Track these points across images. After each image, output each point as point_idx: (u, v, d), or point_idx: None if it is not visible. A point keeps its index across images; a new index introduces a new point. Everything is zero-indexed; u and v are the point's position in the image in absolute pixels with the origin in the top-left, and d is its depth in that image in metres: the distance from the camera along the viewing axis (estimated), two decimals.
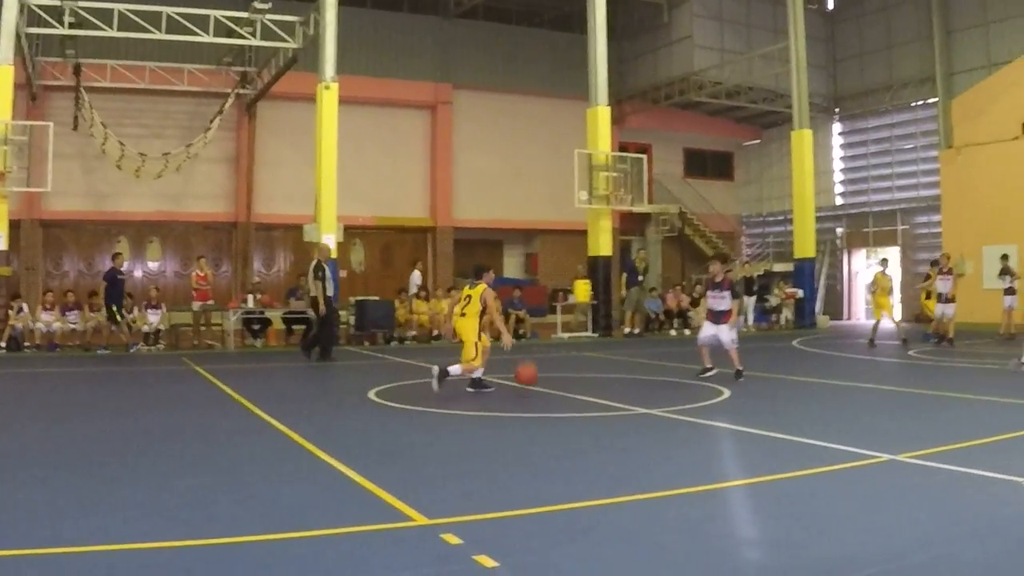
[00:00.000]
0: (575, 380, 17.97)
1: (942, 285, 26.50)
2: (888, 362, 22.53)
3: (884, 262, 29.23)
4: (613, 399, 14.28)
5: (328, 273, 22.50)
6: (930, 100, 40.28)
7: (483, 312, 15.72)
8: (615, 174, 31.55)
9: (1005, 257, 28.52)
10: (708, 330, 17.74)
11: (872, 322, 27.58)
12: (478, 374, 15.53)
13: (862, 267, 43.83)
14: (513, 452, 10.21)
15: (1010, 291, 27.72)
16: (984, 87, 37.30)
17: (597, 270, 31.35)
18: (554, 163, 36.99)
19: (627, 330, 31.73)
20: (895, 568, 5.91)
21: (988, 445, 10.25)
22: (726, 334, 17.35)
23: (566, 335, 30.85)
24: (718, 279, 17.91)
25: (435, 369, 15.05)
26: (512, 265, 42.02)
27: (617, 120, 38.21)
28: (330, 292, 22.60)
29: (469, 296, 15.83)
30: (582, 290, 31.22)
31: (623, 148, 37.48)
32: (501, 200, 39.72)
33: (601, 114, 31.09)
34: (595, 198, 30.84)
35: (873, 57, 42.73)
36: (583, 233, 32.53)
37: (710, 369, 17.42)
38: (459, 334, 15.88)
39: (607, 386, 17.17)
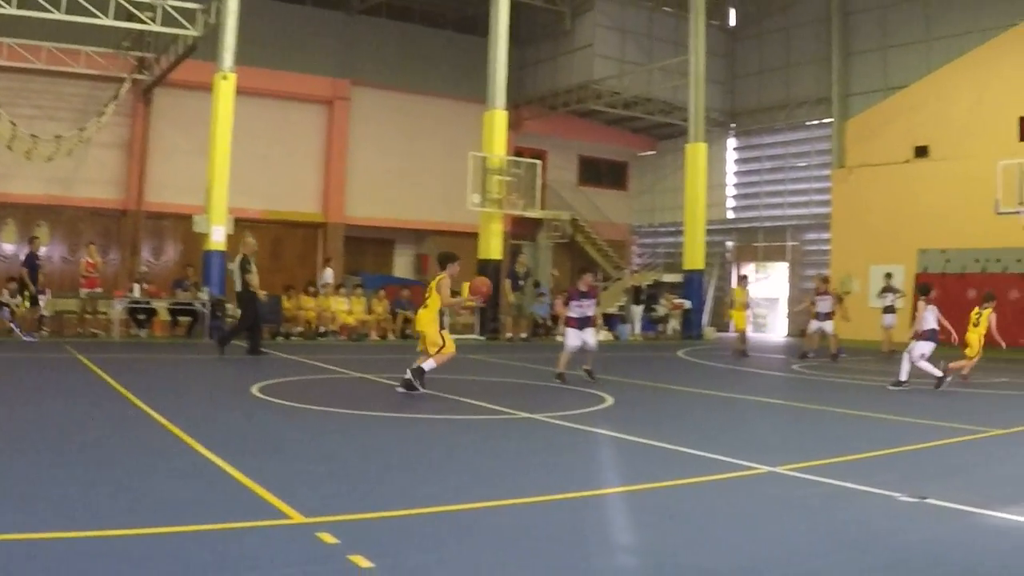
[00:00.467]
0: (460, 383, 17.92)
1: (821, 304, 27.22)
2: (770, 375, 22.85)
3: (743, 279, 30.17)
4: (496, 402, 14.28)
5: (253, 267, 22.19)
6: (825, 120, 41.02)
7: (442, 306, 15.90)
8: (509, 178, 31.64)
9: (889, 276, 29.08)
10: (577, 338, 17.96)
11: (735, 335, 28.39)
12: (429, 366, 15.27)
13: (751, 281, 44.41)
14: (394, 452, 10.14)
15: (890, 310, 28.20)
16: (879, 110, 38.08)
17: (487, 273, 31.33)
18: (449, 165, 37.05)
19: (509, 335, 31.72)
20: None
21: (865, 460, 10.43)
22: (593, 338, 17.68)
23: (453, 337, 30.83)
24: (583, 288, 18.96)
25: (408, 372, 15.00)
26: (402, 265, 41.89)
27: (514, 125, 38.27)
28: (254, 286, 22.33)
29: (431, 287, 15.88)
30: (465, 293, 31.14)
31: (518, 153, 37.62)
32: (394, 199, 39.53)
33: (498, 118, 31.16)
34: (488, 201, 30.90)
35: (771, 75, 43.36)
36: (475, 236, 32.58)
37: (563, 375, 17.96)
38: (419, 325, 15.87)
39: (491, 389, 17.16)
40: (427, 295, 15.89)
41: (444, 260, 16.30)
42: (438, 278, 15.74)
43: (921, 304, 20.11)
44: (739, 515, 7.75)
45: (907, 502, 8.12)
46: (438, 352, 15.26)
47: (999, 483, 9.51)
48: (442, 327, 15.80)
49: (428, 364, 15.04)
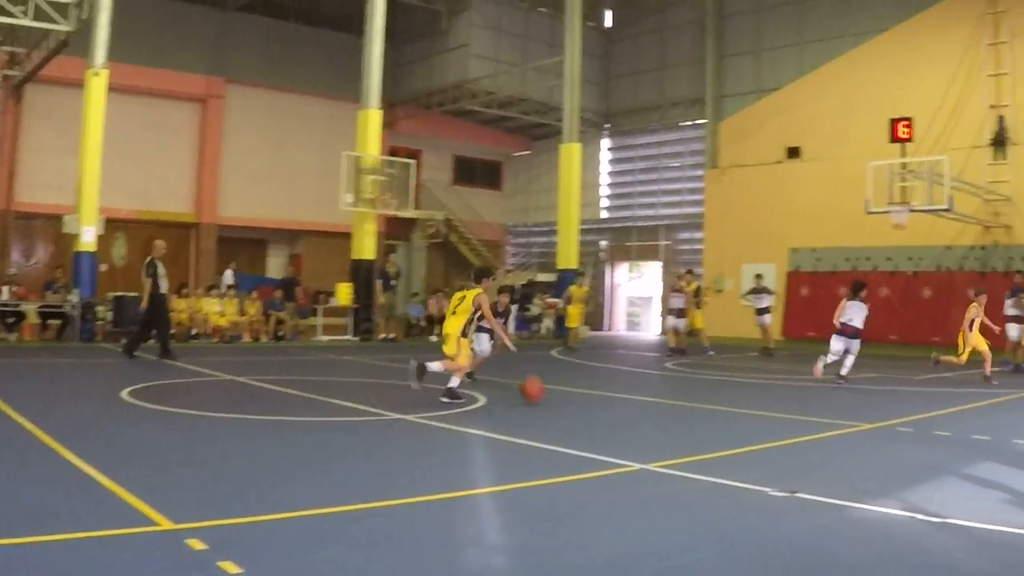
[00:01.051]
0: (332, 384, 17.89)
1: (673, 301, 27.92)
2: (643, 373, 23.10)
3: (580, 276, 30.74)
4: (368, 404, 14.25)
5: (161, 270, 21.80)
6: (699, 121, 41.52)
7: (474, 316, 15.91)
8: (382, 178, 31.51)
9: (759, 277, 29.58)
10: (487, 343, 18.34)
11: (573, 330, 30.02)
12: (455, 383, 15.27)
13: (624, 280, 44.78)
14: (264, 456, 10.03)
15: (765, 310, 28.71)
16: (752, 111, 38.68)
17: (360, 274, 31.28)
18: (323, 164, 36.82)
19: (382, 335, 31.67)
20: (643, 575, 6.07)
21: (737, 455, 10.62)
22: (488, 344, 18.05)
23: (326, 338, 30.70)
24: (500, 309, 19.96)
25: (412, 363, 14.83)
26: (275, 265, 41.55)
27: (388, 124, 38.14)
28: (163, 289, 22.04)
29: (463, 296, 15.83)
30: (343, 293, 31.08)
31: (393, 152, 37.59)
32: (267, 199, 39.17)
33: (372, 117, 31.03)
34: (361, 201, 30.75)
35: (646, 76, 43.76)
36: (348, 236, 32.42)
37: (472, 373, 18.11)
38: (444, 330, 15.91)
39: (362, 391, 17.12)
40: (456, 304, 15.92)
41: (480, 275, 16.66)
42: (475, 291, 15.78)
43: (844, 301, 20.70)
44: (611, 513, 7.84)
45: (778, 496, 8.29)
46: (449, 362, 15.29)
47: (867, 477, 9.73)
48: (464, 335, 15.84)
49: (434, 366, 15.05)
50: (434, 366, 14.92)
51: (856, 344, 20.09)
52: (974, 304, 21.24)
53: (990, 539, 7.18)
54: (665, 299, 40.27)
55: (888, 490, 8.89)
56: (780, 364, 25.68)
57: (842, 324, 20.04)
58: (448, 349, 15.44)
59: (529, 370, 17.67)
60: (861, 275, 32.12)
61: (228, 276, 32.56)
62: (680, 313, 28.50)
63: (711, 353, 26.99)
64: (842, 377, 19.77)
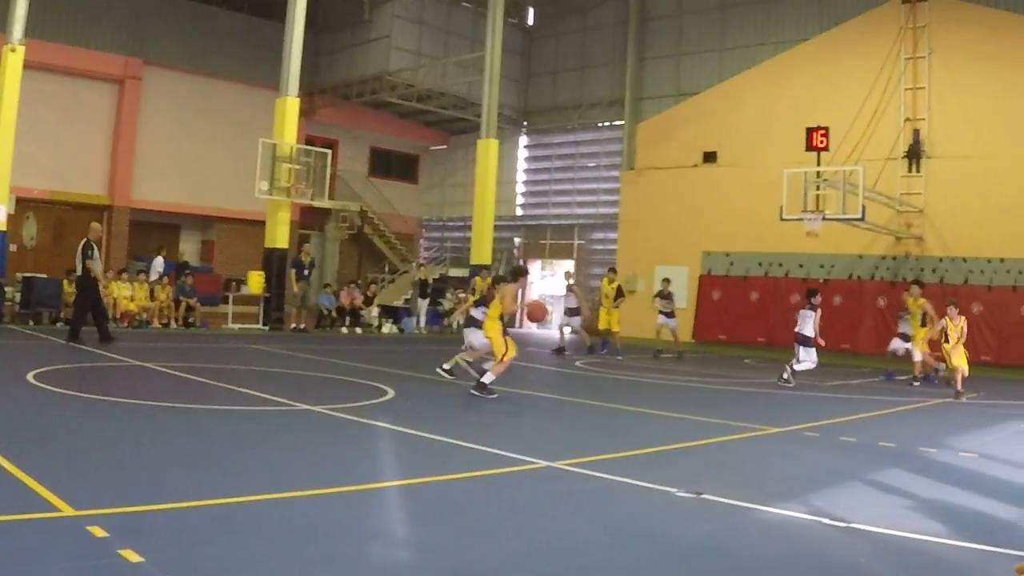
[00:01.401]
0: (241, 372, 17.75)
1: (567, 300, 28.26)
2: (551, 371, 23.15)
3: (484, 271, 31.31)
4: (276, 394, 14.11)
5: (96, 253, 21.64)
6: (617, 122, 41.60)
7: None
8: (298, 167, 31.29)
9: (667, 281, 29.74)
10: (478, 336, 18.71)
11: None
12: (489, 379, 15.81)
13: (536, 277, 44.85)
14: (170, 443, 9.87)
15: (670, 314, 28.90)
16: (670, 115, 38.92)
17: (272, 262, 31.06)
18: (239, 151, 36.26)
19: (292, 325, 31.47)
20: (544, 573, 6.08)
21: (644, 455, 10.69)
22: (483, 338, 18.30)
23: (236, 326, 30.44)
24: (666, 292, 25.89)
25: (473, 391, 15.73)
26: (188, 251, 40.96)
27: (306, 113, 37.96)
28: (97, 273, 21.86)
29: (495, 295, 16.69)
30: (256, 282, 30.84)
31: (310, 141, 37.25)
32: (182, 184, 38.34)
33: (290, 105, 30.75)
34: (276, 189, 30.51)
35: (566, 76, 43.81)
36: (262, 224, 32.16)
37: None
38: (486, 334, 16.66)
39: (272, 380, 17.04)
40: (490, 303, 16.71)
41: (516, 273, 18.14)
42: (505, 288, 16.58)
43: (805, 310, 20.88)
44: (516, 509, 7.86)
45: (683, 497, 8.33)
46: (499, 363, 15.96)
47: (773, 480, 9.86)
48: (504, 332, 16.58)
49: (491, 375, 15.81)
50: (487, 377, 15.73)
51: (801, 351, 20.56)
52: (947, 317, 20.86)
53: (893, 544, 7.26)
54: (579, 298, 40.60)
55: (794, 494, 8.98)
56: (690, 367, 25.85)
57: (794, 332, 20.51)
58: (496, 352, 16.24)
59: (435, 365, 17.72)
60: (772, 281, 32.58)
61: (159, 263, 32.12)
62: (573, 312, 28.74)
63: (620, 357, 27.02)
64: (784, 379, 20.29)
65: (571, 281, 29.74)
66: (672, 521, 7.75)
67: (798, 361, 20.76)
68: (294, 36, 30.46)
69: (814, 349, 20.77)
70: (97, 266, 21.66)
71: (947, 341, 20.42)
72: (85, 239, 21.63)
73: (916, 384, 22.48)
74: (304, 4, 30.66)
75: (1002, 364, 29.18)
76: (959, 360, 20.12)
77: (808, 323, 20.70)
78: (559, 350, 28.28)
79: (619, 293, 29.03)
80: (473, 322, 17.90)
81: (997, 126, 30.74)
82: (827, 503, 8.51)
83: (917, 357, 23.15)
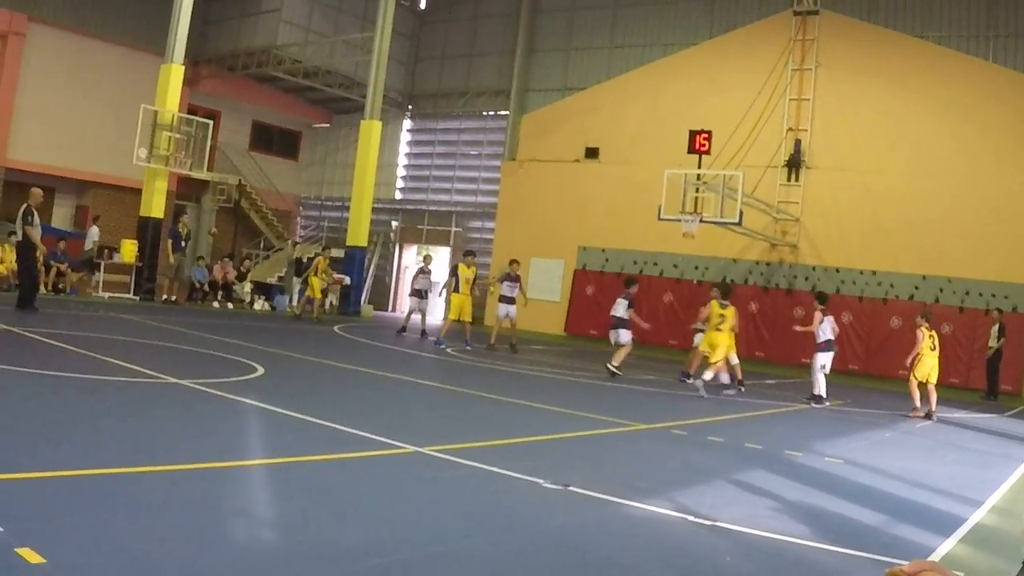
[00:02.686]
0: (108, 342, 17.42)
1: (420, 281, 29.05)
2: (425, 357, 23.07)
3: (327, 248, 32.54)
4: (144, 365, 13.77)
5: (36, 219, 21.37)
6: (502, 112, 41.66)
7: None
8: (179, 136, 30.83)
9: (515, 263, 28.95)
10: (503, 310, 24.96)
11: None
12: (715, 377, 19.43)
13: (412, 262, 44.75)
14: (31, 412, 9.58)
15: (509, 300, 28.03)
16: (555, 108, 39.07)
17: (147, 231, 30.56)
18: (120, 116, 35.44)
19: (164, 296, 30.96)
20: (406, 558, 6.00)
21: (513, 445, 10.68)
22: (514, 311, 24.65)
23: (107, 295, 29.86)
24: (514, 275, 26.50)
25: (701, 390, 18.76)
26: (61, 216, 40.12)
27: (191, 82, 37.38)
28: (35, 239, 21.52)
29: (722, 315, 20.06)
30: (128, 250, 30.30)
31: (192, 111, 36.67)
32: (60, 146, 37.32)
33: (174, 72, 30.20)
34: (155, 157, 30.02)
35: (454, 62, 43.74)
36: (139, 192, 31.57)
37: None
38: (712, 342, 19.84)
39: (140, 351, 16.74)
40: (717, 321, 20.07)
41: (726, 291, 21.14)
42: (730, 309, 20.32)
43: (818, 315, 20.73)
44: (382, 493, 7.77)
45: (550, 489, 8.32)
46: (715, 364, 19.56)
47: (639, 476, 9.89)
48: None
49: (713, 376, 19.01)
50: (723, 380, 18.79)
51: (619, 334, 21.05)
52: (922, 329, 20.32)
53: (758, 544, 7.32)
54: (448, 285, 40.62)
55: (661, 490, 9.02)
56: (561, 360, 25.94)
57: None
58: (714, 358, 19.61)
59: (307, 344, 17.56)
60: (646, 279, 32.82)
61: (94, 232, 31.77)
62: (421, 294, 28.68)
63: (468, 348, 26.58)
64: (608, 369, 20.70)
65: (427, 264, 29.55)
66: (537, 512, 7.73)
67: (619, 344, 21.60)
68: (183, 2, 29.97)
69: (628, 331, 21.74)
70: (36, 232, 21.33)
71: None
72: (26, 204, 21.50)
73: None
74: None
75: (869, 373, 29.75)
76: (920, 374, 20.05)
77: (620, 308, 21.84)
78: (415, 332, 28.25)
79: (474, 281, 28.71)
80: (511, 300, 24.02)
81: (876, 142, 31.37)
82: (693, 501, 8.55)
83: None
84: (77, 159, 37.67)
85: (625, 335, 21.86)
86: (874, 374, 29.76)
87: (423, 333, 27.97)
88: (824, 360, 20.32)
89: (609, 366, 21.38)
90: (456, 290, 26.76)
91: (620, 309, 21.85)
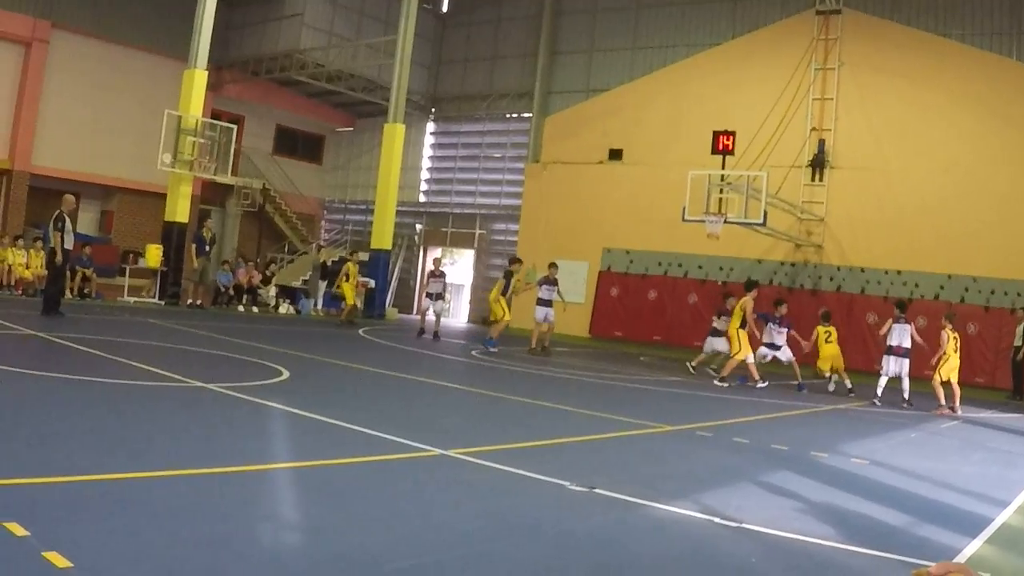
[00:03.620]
0: (135, 346, 17.49)
1: (432, 286, 28.87)
2: (449, 359, 23.10)
3: (354, 253, 32.28)
4: (170, 369, 13.83)
5: (68, 225, 21.57)
6: (525, 114, 41.68)
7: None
8: (203, 140, 30.96)
9: (554, 267, 28.84)
10: (541, 313, 26.56)
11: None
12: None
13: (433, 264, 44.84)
14: (60, 417, 9.61)
15: (547, 303, 27.98)
16: (579, 110, 39.08)
17: (171, 236, 30.66)
18: (144, 121, 35.60)
19: (189, 301, 31.06)
20: (432, 562, 5.99)
21: (538, 448, 10.64)
22: (552, 314, 25.85)
23: (132, 299, 29.94)
24: (552, 278, 27.43)
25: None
26: (86, 221, 40.23)
27: (214, 86, 37.55)
28: (68, 245, 21.71)
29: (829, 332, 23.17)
30: (153, 255, 30.38)
31: (216, 116, 36.75)
32: (85, 152, 37.43)
33: (198, 77, 30.32)
34: (179, 162, 30.14)
35: (477, 65, 43.78)
36: (163, 197, 31.72)
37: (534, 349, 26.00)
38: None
39: (166, 356, 16.80)
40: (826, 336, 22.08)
41: (750, 285, 22.98)
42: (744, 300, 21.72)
43: (889, 321, 21.41)
44: (407, 496, 7.75)
45: (576, 491, 8.29)
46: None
47: (665, 477, 9.86)
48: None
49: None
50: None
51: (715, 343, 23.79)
52: (946, 330, 20.75)
53: (784, 546, 7.30)
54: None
55: (686, 492, 9.00)
56: (586, 362, 25.92)
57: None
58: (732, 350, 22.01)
59: (332, 348, 17.58)
60: (670, 280, 32.81)
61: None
62: (438, 297, 28.65)
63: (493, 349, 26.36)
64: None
65: (438, 267, 29.56)
66: (563, 514, 7.70)
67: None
68: (206, 8, 30.07)
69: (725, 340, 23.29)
70: (69, 239, 21.65)
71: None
72: (57, 211, 21.76)
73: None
74: None
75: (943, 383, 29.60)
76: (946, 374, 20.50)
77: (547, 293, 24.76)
78: (429, 333, 28.26)
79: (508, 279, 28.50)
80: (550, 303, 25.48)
81: (899, 140, 31.26)
82: (719, 502, 8.52)
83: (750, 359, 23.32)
84: (101, 164, 37.84)
85: (720, 343, 23.69)
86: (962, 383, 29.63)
87: (435, 335, 27.94)
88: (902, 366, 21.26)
89: (709, 371, 23.21)
90: (504, 292, 26.99)
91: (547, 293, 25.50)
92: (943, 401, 20.28)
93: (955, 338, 20.61)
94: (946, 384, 20.43)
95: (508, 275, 27.00)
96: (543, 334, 27.11)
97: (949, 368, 20.40)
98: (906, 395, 21.08)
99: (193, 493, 7.06)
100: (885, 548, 7.43)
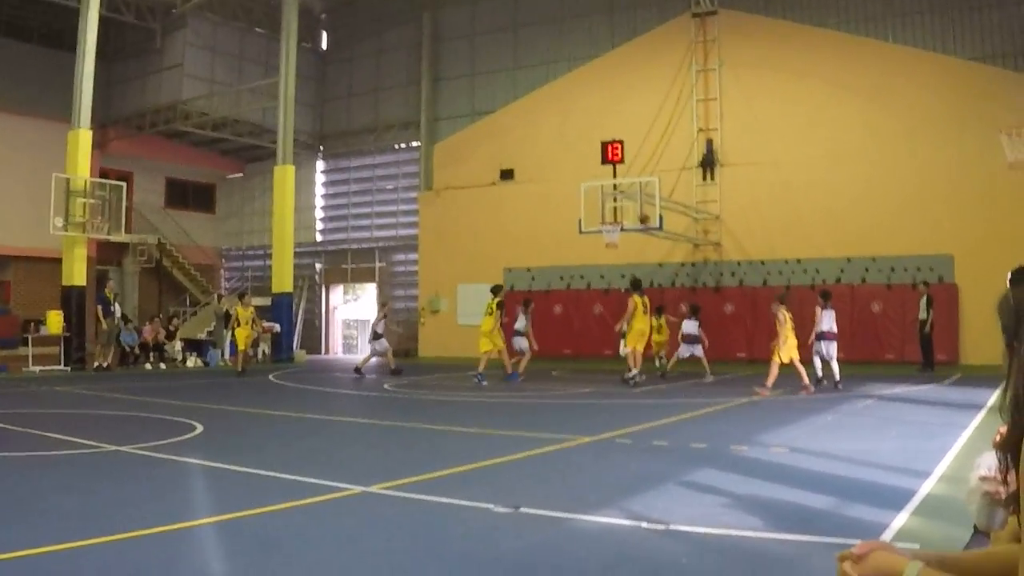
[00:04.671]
0: (44, 416, 17.25)
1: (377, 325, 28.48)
2: (362, 395, 23.02)
3: (243, 296, 31.54)
4: (82, 436, 13.60)
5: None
6: (413, 143, 41.93)
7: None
8: (94, 201, 30.64)
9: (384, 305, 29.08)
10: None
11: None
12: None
13: (340, 302, 44.66)
14: None
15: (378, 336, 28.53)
16: (466, 134, 39.27)
17: (71, 300, 30.26)
18: (32, 187, 35.00)
19: (96, 363, 30.67)
20: None
21: (459, 474, 10.58)
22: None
23: (38, 368, 29.47)
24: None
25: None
26: None
27: (100, 145, 37.14)
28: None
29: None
30: (55, 321, 29.98)
31: (104, 174, 36.40)
32: None
33: (83, 137, 30.06)
34: (71, 225, 29.79)
35: (361, 99, 43.89)
36: (59, 261, 31.27)
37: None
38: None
39: (77, 422, 16.57)
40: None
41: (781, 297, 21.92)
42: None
43: (818, 309, 22.26)
44: (336, 537, 7.69)
45: (501, 512, 8.28)
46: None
47: (589, 488, 9.87)
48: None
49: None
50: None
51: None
52: (781, 311, 21.24)
53: (714, 542, 7.33)
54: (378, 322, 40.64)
55: (611, 500, 9.03)
56: (498, 383, 25.93)
57: None
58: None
59: (243, 396, 17.44)
60: (575, 293, 33.00)
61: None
62: (377, 336, 28.61)
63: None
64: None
65: (384, 309, 29.57)
66: (491, 537, 7.68)
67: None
68: (84, 67, 29.82)
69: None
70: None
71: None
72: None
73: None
74: (95, 34, 30.09)
75: (804, 360, 30.00)
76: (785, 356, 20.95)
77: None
78: (358, 369, 28.23)
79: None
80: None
81: (786, 132, 31.83)
82: (645, 507, 8.56)
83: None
84: None
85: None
86: (809, 360, 30.04)
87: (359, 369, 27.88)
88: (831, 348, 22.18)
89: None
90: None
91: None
92: (806, 380, 21.03)
93: (790, 318, 21.12)
94: (788, 366, 20.98)
95: (500, 306, 26.47)
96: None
97: (789, 349, 20.84)
98: (837, 378, 21.73)
99: (116, 558, 6.93)
100: (813, 532, 7.51)
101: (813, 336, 22.51)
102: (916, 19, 31.18)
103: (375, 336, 28.80)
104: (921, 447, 12.51)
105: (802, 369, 21.02)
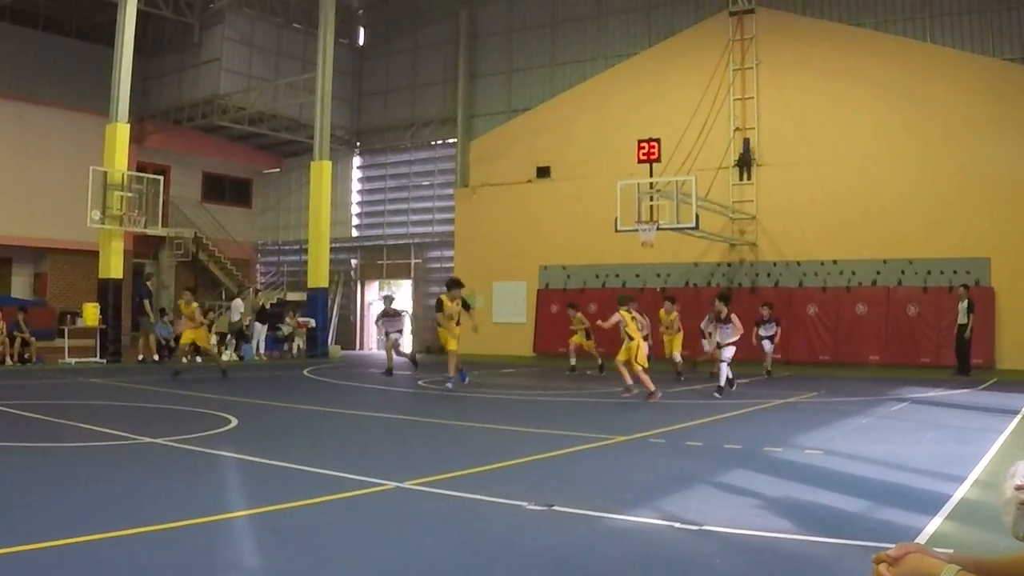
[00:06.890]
0: (80, 408, 17.33)
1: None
2: (396, 391, 23.05)
3: (257, 291, 31.80)
4: (117, 428, 13.68)
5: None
6: (450, 140, 41.94)
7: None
8: (130, 194, 30.71)
9: (388, 299, 28.92)
10: None
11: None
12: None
13: (375, 298, 44.71)
14: (8, 484, 9.47)
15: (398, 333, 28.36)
16: (502, 131, 39.22)
17: (107, 293, 30.39)
18: (70, 179, 35.24)
19: (141, 356, 30.82)
20: None
21: (493, 471, 10.59)
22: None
23: (74, 360, 29.59)
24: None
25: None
26: (20, 285, 39.89)
27: (137, 139, 37.30)
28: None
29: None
30: (91, 314, 30.09)
31: (141, 168, 36.45)
32: (11, 215, 37.20)
33: (120, 131, 30.16)
34: (108, 218, 29.90)
35: (398, 95, 43.92)
36: (96, 254, 31.46)
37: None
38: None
39: (112, 414, 16.63)
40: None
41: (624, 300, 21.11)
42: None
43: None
44: (368, 532, 7.72)
45: (534, 510, 8.27)
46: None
47: (622, 488, 9.82)
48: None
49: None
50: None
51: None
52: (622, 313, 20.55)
53: (746, 544, 7.31)
54: (419, 317, 40.59)
55: (644, 500, 9.02)
56: (532, 380, 25.92)
57: None
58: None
59: (278, 391, 17.47)
60: (610, 292, 32.88)
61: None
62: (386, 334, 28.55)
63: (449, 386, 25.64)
64: None
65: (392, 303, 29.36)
66: (524, 535, 7.67)
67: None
68: (123, 61, 29.89)
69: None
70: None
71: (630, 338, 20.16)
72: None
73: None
74: (133, 29, 30.15)
75: (840, 362, 29.94)
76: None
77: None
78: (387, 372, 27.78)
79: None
80: None
81: (823, 132, 31.67)
82: (677, 507, 8.54)
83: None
84: (31, 226, 37.49)
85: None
86: (844, 362, 29.94)
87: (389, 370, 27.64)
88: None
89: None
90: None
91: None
92: (630, 382, 20.27)
93: (634, 319, 20.42)
94: (629, 365, 20.05)
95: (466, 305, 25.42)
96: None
97: (637, 350, 19.91)
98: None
99: (152, 550, 6.94)
100: (846, 535, 7.48)
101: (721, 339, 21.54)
102: (955, 20, 31.01)
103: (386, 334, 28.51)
104: (956, 451, 12.45)
105: (644, 376, 19.86)
